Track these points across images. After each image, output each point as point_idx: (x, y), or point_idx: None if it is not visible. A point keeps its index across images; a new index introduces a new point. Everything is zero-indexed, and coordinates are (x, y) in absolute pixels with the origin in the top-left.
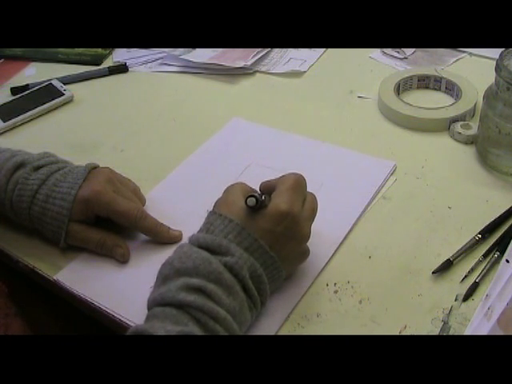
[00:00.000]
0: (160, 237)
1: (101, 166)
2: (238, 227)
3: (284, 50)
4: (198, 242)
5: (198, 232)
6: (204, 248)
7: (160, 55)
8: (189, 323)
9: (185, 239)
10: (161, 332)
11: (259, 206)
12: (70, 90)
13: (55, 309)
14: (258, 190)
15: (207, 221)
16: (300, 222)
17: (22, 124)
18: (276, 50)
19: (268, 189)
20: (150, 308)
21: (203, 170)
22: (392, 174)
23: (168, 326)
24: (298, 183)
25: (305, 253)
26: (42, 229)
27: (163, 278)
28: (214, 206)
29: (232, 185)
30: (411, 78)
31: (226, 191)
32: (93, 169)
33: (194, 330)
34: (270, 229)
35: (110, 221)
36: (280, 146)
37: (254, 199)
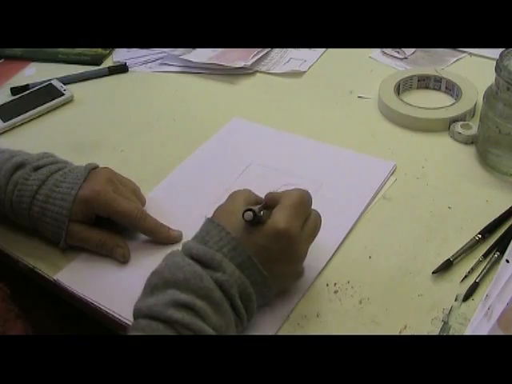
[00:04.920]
0: (160, 237)
1: (101, 166)
2: (234, 242)
3: (284, 50)
4: (190, 253)
5: (193, 239)
6: (196, 260)
7: (160, 55)
8: None
9: (185, 239)
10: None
11: (257, 221)
12: (70, 90)
13: (55, 309)
14: (263, 198)
15: (203, 228)
16: (297, 242)
17: (22, 124)
18: (276, 50)
19: (272, 201)
20: (135, 317)
21: (203, 170)
22: (392, 174)
23: None
24: (301, 200)
25: (299, 273)
26: (42, 229)
27: (152, 287)
28: (215, 212)
29: (237, 191)
30: (411, 77)
31: (230, 197)
32: (93, 169)
33: None
34: (265, 246)
35: (110, 221)
36: (280, 146)
37: (251, 214)
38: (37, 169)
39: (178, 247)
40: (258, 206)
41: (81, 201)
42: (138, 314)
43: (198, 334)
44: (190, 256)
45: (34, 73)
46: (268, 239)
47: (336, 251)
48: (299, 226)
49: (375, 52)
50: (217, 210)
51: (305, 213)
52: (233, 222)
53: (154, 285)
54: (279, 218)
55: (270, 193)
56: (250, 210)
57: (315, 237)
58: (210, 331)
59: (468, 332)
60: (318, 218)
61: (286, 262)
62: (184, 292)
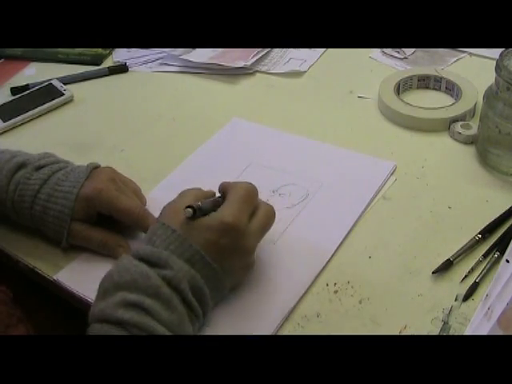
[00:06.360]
0: None
1: (101, 165)
2: (180, 238)
3: (284, 50)
4: (138, 254)
5: (141, 241)
6: (144, 260)
7: (160, 55)
8: None
9: None
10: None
11: (198, 216)
12: (70, 90)
13: (56, 309)
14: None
15: (151, 230)
16: (245, 235)
17: (22, 124)
18: (276, 50)
19: (225, 191)
20: (90, 322)
21: (203, 170)
22: (392, 174)
23: None
24: (247, 194)
25: (249, 265)
26: (43, 228)
27: (103, 291)
28: (162, 211)
29: (187, 189)
30: (411, 77)
31: (179, 196)
32: (94, 168)
33: None
34: (213, 240)
35: (111, 222)
36: (280, 146)
37: (190, 210)
38: (38, 168)
39: None
40: (203, 201)
41: (83, 199)
42: (91, 318)
43: (148, 333)
44: (138, 258)
45: (34, 73)
46: (216, 234)
47: (336, 251)
48: (246, 219)
49: (375, 52)
50: (164, 208)
51: (251, 206)
52: (179, 219)
53: (105, 289)
54: (226, 213)
55: (225, 182)
56: (190, 206)
57: (268, 229)
58: (160, 329)
59: (468, 332)
60: (270, 210)
61: (235, 255)
62: (133, 292)
